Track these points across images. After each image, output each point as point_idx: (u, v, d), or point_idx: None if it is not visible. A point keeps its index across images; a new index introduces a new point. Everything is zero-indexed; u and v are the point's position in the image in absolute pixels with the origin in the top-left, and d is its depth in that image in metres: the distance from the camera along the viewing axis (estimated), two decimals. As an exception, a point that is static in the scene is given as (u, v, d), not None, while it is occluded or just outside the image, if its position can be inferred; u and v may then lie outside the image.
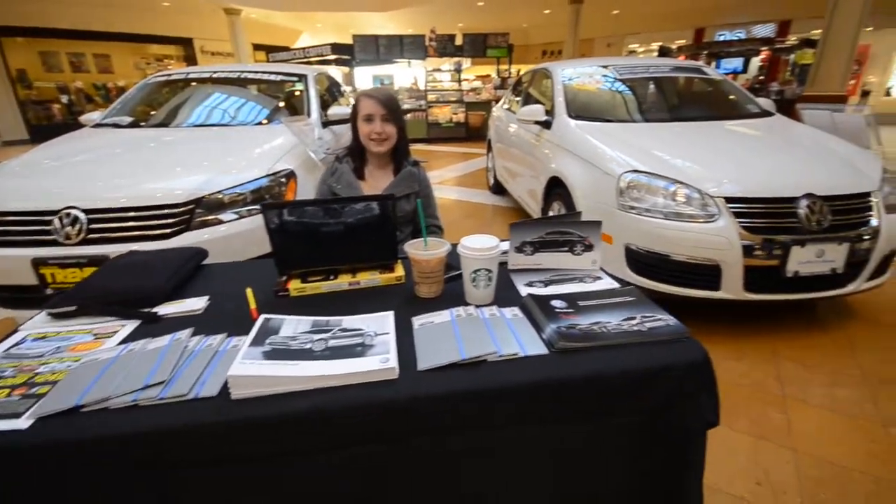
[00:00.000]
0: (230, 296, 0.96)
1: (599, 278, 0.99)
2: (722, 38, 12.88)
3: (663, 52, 12.32)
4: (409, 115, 9.25)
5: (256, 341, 0.72)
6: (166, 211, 1.87)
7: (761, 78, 11.55)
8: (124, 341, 0.80)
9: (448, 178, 5.89)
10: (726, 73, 12.18)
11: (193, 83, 3.33)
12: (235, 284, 1.01)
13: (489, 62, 10.59)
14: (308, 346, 0.72)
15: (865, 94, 12.81)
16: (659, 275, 1.95)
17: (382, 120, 1.41)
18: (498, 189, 4.68)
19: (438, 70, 9.92)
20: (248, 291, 0.94)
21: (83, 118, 3.06)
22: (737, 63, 12.28)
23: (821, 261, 1.83)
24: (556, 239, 1.02)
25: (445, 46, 9.59)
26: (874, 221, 1.90)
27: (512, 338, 0.76)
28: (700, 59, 11.29)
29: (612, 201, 2.05)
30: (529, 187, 3.28)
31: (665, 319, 0.77)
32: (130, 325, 0.86)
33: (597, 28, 14.50)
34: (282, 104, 3.36)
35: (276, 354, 0.69)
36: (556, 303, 0.84)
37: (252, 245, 1.98)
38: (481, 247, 0.86)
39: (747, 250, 1.81)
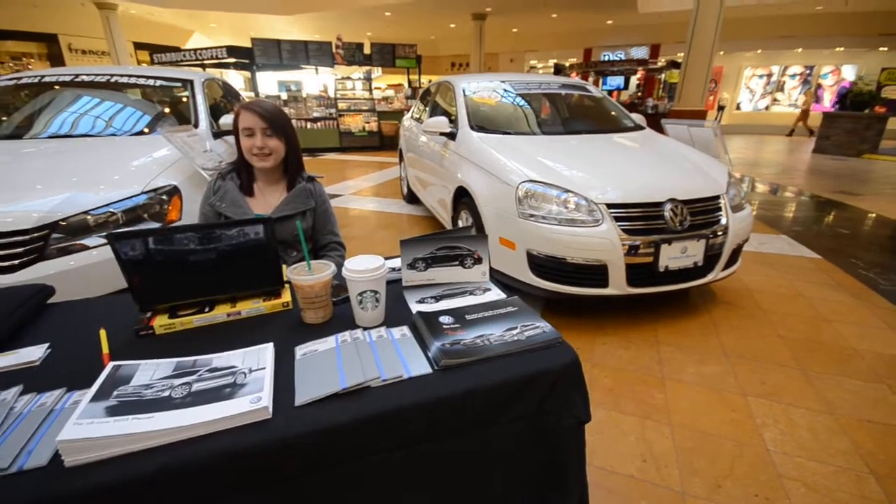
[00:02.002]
0: (79, 340, 0.83)
1: (489, 290, 1.02)
2: (606, 59, 14.35)
3: (558, 69, 13.42)
4: (319, 124, 8.95)
5: (100, 395, 0.63)
6: (13, 239, 1.58)
7: (639, 94, 13.06)
8: (-75, 411, 0.65)
9: (363, 187, 5.78)
10: (611, 90, 13.66)
11: (55, 87, 2.87)
12: (87, 325, 0.88)
13: (400, 72, 10.65)
14: (166, 393, 0.64)
15: (721, 108, 15.13)
16: (557, 277, 2.09)
17: (264, 134, 1.33)
18: (412, 198, 4.70)
19: (349, 78, 9.74)
20: (102, 333, 0.82)
21: None
22: (619, 81, 13.77)
23: (685, 256, 2.09)
24: (447, 254, 1.03)
25: (354, 55, 9.45)
26: (724, 220, 2.22)
27: (398, 360, 0.75)
28: (589, 77, 12.45)
29: (513, 209, 2.15)
30: (439, 197, 3.33)
31: (541, 326, 0.82)
32: (-63, 389, 0.70)
33: (500, 44, 15.36)
34: (166, 111, 3.04)
35: (123, 408, 0.60)
36: (444, 318, 0.85)
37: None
38: (366, 268, 0.84)
39: (627, 250, 2.01)
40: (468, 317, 0.86)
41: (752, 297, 2.64)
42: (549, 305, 2.38)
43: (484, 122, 2.95)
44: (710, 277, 2.23)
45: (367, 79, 9.48)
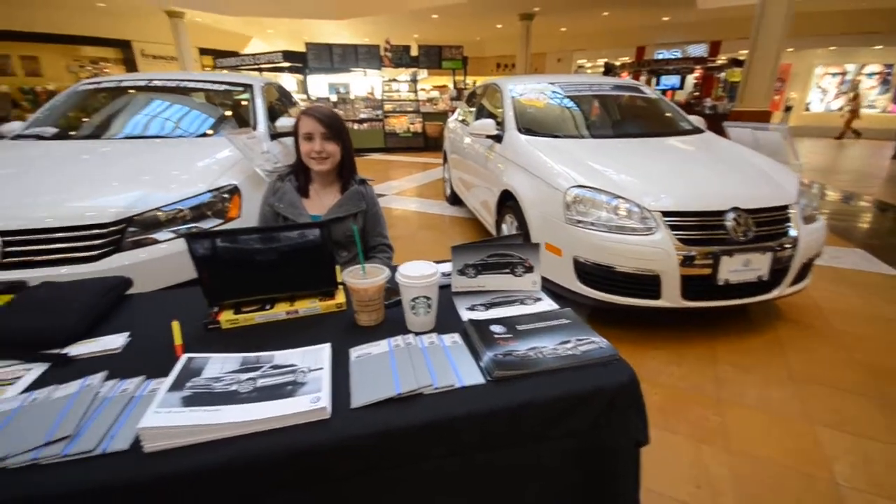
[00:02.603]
0: (154, 330, 0.89)
1: (539, 299, 1.00)
2: (660, 57, 13.74)
3: (608, 68, 12.99)
4: (366, 125, 9.18)
5: (176, 385, 0.67)
6: (94, 231, 1.73)
7: (696, 94, 12.41)
8: (29, 388, 0.73)
9: (406, 188, 5.87)
10: (665, 90, 13.06)
11: (130, 91, 3.13)
12: (162, 317, 0.94)
13: (445, 73, 10.73)
14: (233, 387, 0.68)
15: (788, 109, 14.08)
16: (605, 285, 2.03)
17: (322, 138, 1.38)
18: (455, 200, 4.72)
19: (395, 80, 9.93)
20: (175, 325, 0.88)
21: (1, 129, 2.79)
22: (674, 80, 13.15)
23: (748, 269, 1.97)
24: (498, 261, 1.03)
25: (401, 57, 9.62)
26: (793, 232, 2.07)
27: (449, 368, 0.75)
28: (641, 76, 11.98)
29: (560, 215, 2.11)
30: (483, 199, 3.32)
31: (597, 342, 0.79)
32: (38, 369, 0.78)
33: (547, 43, 15.09)
34: (228, 114, 3.23)
35: (196, 400, 0.64)
36: (495, 328, 0.85)
37: (192, 265, 1.87)
38: (419, 274, 0.85)
39: (683, 261, 1.91)
40: (520, 327, 0.85)
41: (824, 316, 2.43)
42: (594, 314, 2.31)
43: (531, 125, 2.91)
44: (775, 293, 2.08)
45: (413, 80, 9.62)
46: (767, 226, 2.03)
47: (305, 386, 0.69)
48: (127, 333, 0.88)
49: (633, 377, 0.73)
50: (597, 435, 0.73)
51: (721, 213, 1.97)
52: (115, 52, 12.82)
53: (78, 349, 0.83)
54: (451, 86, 10.83)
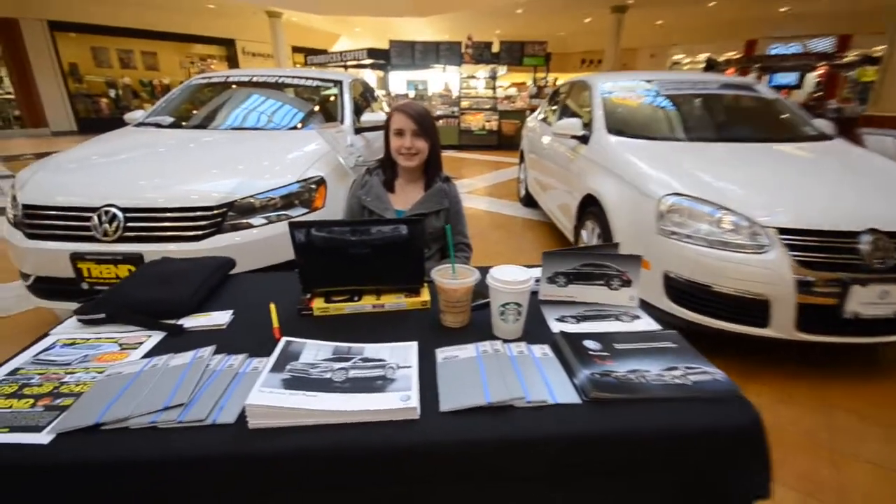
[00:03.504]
0: (253, 310, 0.96)
1: (637, 317, 0.94)
2: (775, 52, 12.40)
3: (710, 65, 11.96)
4: (440, 122, 9.32)
5: (277, 367, 0.72)
6: (200, 213, 1.93)
7: (817, 95, 11.02)
8: (149, 354, 0.82)
9: (478, 187, 5.87)
10: (779, 88, 11.74)
11: (233, 86, 3.44)
12: (259, 298, 1.02)
13: (525, 70, 10.56)
14: (328, 375, 0.71)
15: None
16: (700, 306, 1.86)
17: (413, 135, 1.41)
18: (529, 201, 4.64)
19: (473, 77, 9.96)
20: (272, 308, 0.95)
21: (127, 117, 3.21)
22: (791, 78, 11.78)
23: (884, 302, 1.70)
24: (592, 271, 0.98)
25: (482, 53, 9.63)
26: (947, 262, 1.75)
27: (541, 381, 0.72)
28: (750, 73, 10.88)
29: (652, 225, 1.98)
30: (562, 202, 3.23)
31: (712, 373, 0.72)
32: (156, 337, 0.88)
33: (640, 38, 14.23)
34: (316, 109, 3.43)
35: (295, 383, 0.68)
36: (589, 343, 0.80)
37: (280, 250, 2.02)
38: (512, 279, 0.83)
39: (801, 286, 1.70)
40: (618, 346, 0.80)
41: (980, 366, 2.04)
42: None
43: (623, 126, 2.77)
44: (917, 334, 1.78)
45: (492, 77, 9.59)
46: (914, 253, 1.73)
47: (395, 383, 0.70)
48: (231, 311, 0.96)
49: (757, 420, 0.65)
50: (706, 481, 0.66)
51: (854, 235, 1.72)
52: (220, 50, 14.27)
53: (191, 322, 0.91)
54: (530, 83, 10.65)
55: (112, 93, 12.23)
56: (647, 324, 0.92)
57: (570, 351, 0.78)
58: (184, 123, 3.05)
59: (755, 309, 1.77)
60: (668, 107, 2.98)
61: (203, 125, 3.00)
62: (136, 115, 3.19)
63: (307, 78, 3.44)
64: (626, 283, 0.97)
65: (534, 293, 1.02)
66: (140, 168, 2.22)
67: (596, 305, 0.98)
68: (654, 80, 3.12)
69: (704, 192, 1.92)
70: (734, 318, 1.81)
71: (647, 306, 0.99)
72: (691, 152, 2.40)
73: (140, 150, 2.53)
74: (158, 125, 2.96)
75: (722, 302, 1.81)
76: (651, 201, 2.01)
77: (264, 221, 2.03)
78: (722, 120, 2.98)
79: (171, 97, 3.36)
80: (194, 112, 3.27)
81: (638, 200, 2.10)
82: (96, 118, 11.44)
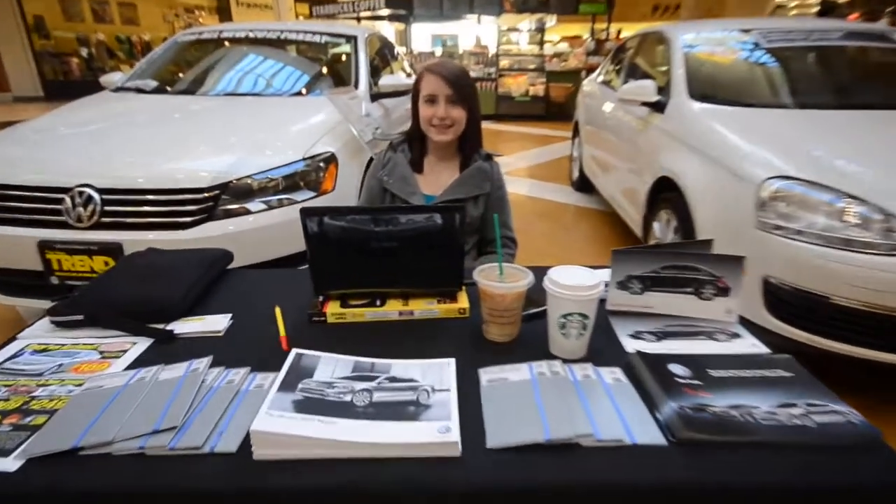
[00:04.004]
0: (256, 314, 0.98)
1: (737, 336, 0.91)
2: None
3: (826, 8, 11.36)
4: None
5: (286, 385, 0.72)
6: (188, 196, 1.98)
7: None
8: (134, 364, 0.84)
9: (519, 166, 5.82)
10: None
11: (226, 43, 3.52)
12: (263, 298, 1.04)
13: (581, 20, 10.36)
14: (348, 397, 0.71)
15: None
16: (811, 323, 1.79)
17: (448, 102, 1.39)
18: (583, 185, 4.61)
19: (515, 29, 9.86)
20: (277, 312, 0.96)
21: (104, 80, 3.33)
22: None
23: None
24: (677, 276, 0.95)
25: (527, 1, 9.51)
26: None
27: (614, 415, 0.70)
28: (882, 18, 10.30)
29: (748, 216, 1.92)
30: (627, 186, 3.20)
31: (843, 413, 0.68)
32: (142, 344, 0.90)
33: (730, -23, 13.71)
34: (324, 70, 3.47)
35: (308, 406, 0.68)
36: (676, 368, 0.78)
37: (281, 242, 2.05)
38: (577, 283, 0.81)
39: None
40: (713, 372, 0.77)
41: None
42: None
43: (710, 89, 2.71)
44: None
45: (539, 30, 9.48)
46: None
47: (430, 410, 0.69)
48: (230, 315, 0.97)
49: (906, 474, 0.61)
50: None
51: None
52: (209, 0, 14.60)
53: (183, 327, 0.94)
54: (587, 36, 10.46)
55: (84, 51, 12.70)
56: (749, 345, 0.88)
57: (651, 377, 0.76)
58: (169, 88, 3.15)
59: (890, 328, 1.68)
60: (771, 64, 2.88)
61: (191, 90, 3.08)
62: (114, 77, 3.31)
63: (314, 33, 3.48)
64: (723, 291, 0.93)
65: (601, 301, 1.00)
66: (119, 141, 2.30)
67: (681, 319, 0.96)
68: (751, 30, 3.02)
69: (821, 175, 1.84)
70: (863, 339, 1.73)
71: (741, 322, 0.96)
72: (803, 122, 2.32)
73: (120, 120, 2.62)
74: (140, 90, 3.06)
75: (843, 318, 1.73)
76: (748, 186, 1.95)
77: (263, 207, 2.07)
78: (844, 80, 2.86)
79: (153, 57, 3.47)
80: (181, 75, 3.36)
81: (730, 185, 2.05)
82: (66, 81, 11.87)
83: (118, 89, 3.14)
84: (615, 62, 4.39)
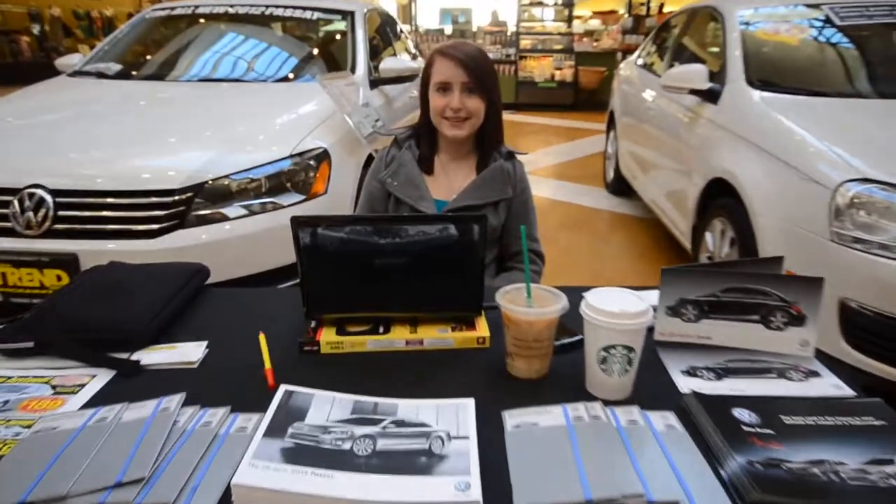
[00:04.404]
0: (237, 341, 0.98)
1: (815, 374, 0.90)
2: None
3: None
4: (490, 69, 9.35)
5: (273, 429, 0.72)
6: (155, 200, 2.00)
7: None
8: (93, 402, 0.84)
9: (543, 164, 5.84)
10: None
11: (202, 20, 3.57)
12: (244, 322, 1.04)
13: (617, -8, 10.44)
14: (347, 445, 0.70)
15: None
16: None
17: (464, 90, 1.40)
18: (620, 187, 4.62)
19: (538, 3, 9.93)
20: (262, 339, 0.96)
21: (59, 62, 3.39)
22: None
23: None
24: (741, 300, 0.94)
25: (552, -32, 9.61)
26: None
27: (668, 470, 0.69)
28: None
29: (822, 226, 1.92)
30: (673, 189, 3.22)
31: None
32: (103, 377, 0.90)
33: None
34: (315, 52, 3.51)
35: (300, 455, 0.67)
36: (741, 414, 0.76)
37: (265, 253, 2.07)
38: (621, 310, 0.80)
39: None
40: (787, 419, 0.76)
41: None
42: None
43: (773, 75, 2.74)
44: None
45: (567, 4, 9.55)
46: None
47: (446, 461, 0.69)
48: (205, 343, 0.97)
49: None
50: None
51: None
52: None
53: (150, 356, 0.93)
54: (623, 11, 10.52)
55: (36, 28, 12.92)
56: (830, 385, 0.87)
57: (712, 424, 0.75)
58: (135, 73, 3.20)
59: None
60: (846, 44, 2.90)
61: (161, 75, 3.13)
62: (72, 59, 3.37)
63: (304, 8, 3.52)
64: (797, 319, 0.92)
65: (648, 330, 0.99)
66: (76, 135, 2.33)
67: (746, 353, 0.95)
68: (822, 4, 3.03)
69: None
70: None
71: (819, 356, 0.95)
72: (885, 115, 2.34)
73: (77, 109, 2.66)
74: (101, 75, 3.10)
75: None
76: (821, 191, 1.95)
77: (243, 212, 2.09)
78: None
79: (117, 36, 3.53)
80: (149, 57, 3.41)
81: (798, 189, 2.06)
82: (14, 63, 12.06)
83: (76, 73, 3.20)
84: (658, 42, 4.42)
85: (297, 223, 0.91)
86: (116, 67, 3.17)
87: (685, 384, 0.88)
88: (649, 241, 3.83)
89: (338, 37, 3.50)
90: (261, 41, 3.48)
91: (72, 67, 3.27)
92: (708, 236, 2.66)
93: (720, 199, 2.52)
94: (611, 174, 4.87)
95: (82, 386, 0.87)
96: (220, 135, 2.30)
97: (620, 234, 4.01)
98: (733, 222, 2.37)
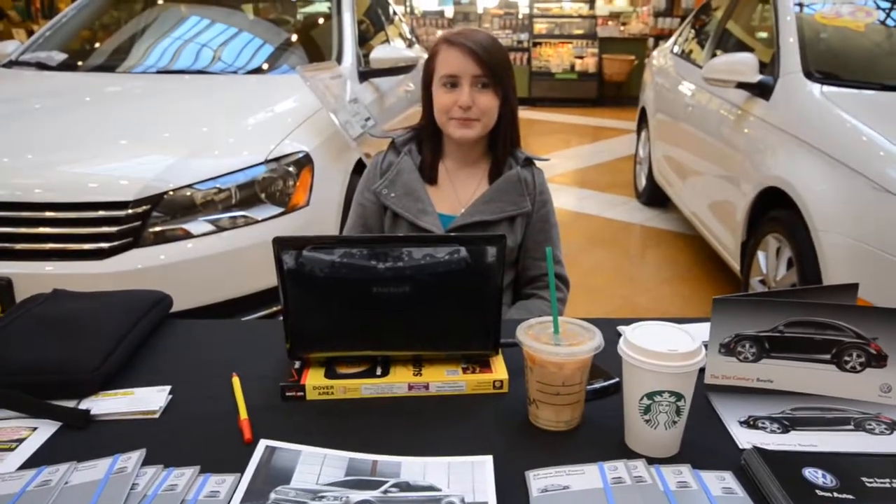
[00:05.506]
0: (205, 384, 0.98)
1: (899, 425, 0.89)
2: None
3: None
4: (498, 58, 9.44)
5: (253, 494, 0.71)
6: (105, 213, 2.00)
7: None
8: (34, 460, 0.83)
9: (563, 170, 5.88)
10: None
11: (160, 1, 3.61)
12: (214, 361, 1.04)
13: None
14: (342, 514, 0.69)
15: None
16: None
17: (474, 85, 1.41)
18: (653, 196, 4.65)
19: (556, -18, 10.05)
20: (236, 383, 0.95)
21: (-8, 51, 3.41)
22: None
23: None
24: (808, 335, 0.93)
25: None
26: None
27: (728, 543, 0.69)
28: None
29: (897, 245, 1.93)
30: (717, 200, 3.23)
31: None
32: (46, 429, 0.89)
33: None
34: (294, 38, 3.54)
35: (287, 527, 0.67)
36: (813, 474, 0.76)
37: (236, 277, 2.07)
38: (667, 349, 0.80)
39: None
40: (868, 481, 0.75)
41: None
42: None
43: (835, 66, 2.78)
44: None
45: (590, -18, 9.66)
46: None
47: (461, 533, 0.68)
48: (168, 388, 0.97)
49: None
50: None
51: None
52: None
53: (102, 405, 0.93)
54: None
55: (-37, 11, 13.05)
56: (917, 438, 0.86)
57: (779, 487, 0.74)
58: (81, 63, 3.22)
59: None
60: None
61: (112, 66, 3.15)
62: (7, 48, 3.39)
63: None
64: (877, 359, 0.92)
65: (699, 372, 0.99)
66: (10, 137, 2.33)
67: (816, 399, 0.95)
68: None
69: None
70: None
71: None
72: None
73: (12, 106, 2.67)
74: (42, 65, 3.13)
75: None
76: None
77: (210, 228, 2.09)
78: None
79: (60, 20, 3.55)
80: (97, 45, 3.44)
81: (870, 200, 2.07)
82: (-62, 52, 12.15)
83: (11, 64, 3.22)
84: (697, 27, 4.46)
85: (281, 245, 0.91)
86: (60, 57, 3.20)
87: (744, 437, 0.87)
88: (689, 261, 3.83)
89: (321, 21, 3.53)
90: (230, 26, 3.50)
91: (6, 57, 3.30)
92: (760, 256, 2.67)
93: (775, 211, 2.54)
94: (643, 182, 4.88)
95: (21, 441, 0.86)
96: (182, 137, 2.31)
97: (655, 253, 4.02)
98: (790, 239, 2.38)
